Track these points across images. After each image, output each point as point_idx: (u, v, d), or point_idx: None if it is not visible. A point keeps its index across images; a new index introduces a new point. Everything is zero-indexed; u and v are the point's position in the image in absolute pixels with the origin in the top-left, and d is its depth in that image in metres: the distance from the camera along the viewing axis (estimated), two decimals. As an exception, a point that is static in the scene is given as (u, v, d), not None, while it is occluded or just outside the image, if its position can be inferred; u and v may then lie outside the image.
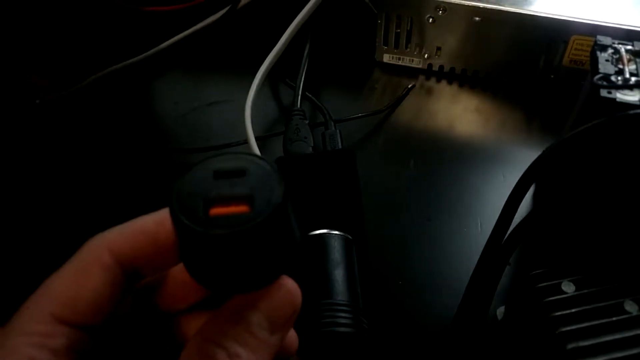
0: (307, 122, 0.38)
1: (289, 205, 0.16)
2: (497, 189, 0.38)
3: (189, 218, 0.15)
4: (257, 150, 0.38)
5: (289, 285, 0.18)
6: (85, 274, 0.18)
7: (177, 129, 0.45)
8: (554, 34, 0.41)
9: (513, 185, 0.38)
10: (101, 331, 0.19)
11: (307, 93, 0.41)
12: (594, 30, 0.38)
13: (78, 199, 0.39)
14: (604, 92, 0.28)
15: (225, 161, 0.16)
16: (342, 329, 0.27)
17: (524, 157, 0.40)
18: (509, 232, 0.29)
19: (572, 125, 0.34)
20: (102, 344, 0.19)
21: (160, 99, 0.48)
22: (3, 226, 0.38)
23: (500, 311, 0.31)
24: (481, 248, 0.34)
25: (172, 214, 0.15)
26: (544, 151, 0.30)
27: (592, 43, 0.31)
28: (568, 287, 0.27)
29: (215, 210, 0.15)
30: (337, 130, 0.37)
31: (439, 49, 0.45)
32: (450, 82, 0.46)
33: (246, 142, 0.40)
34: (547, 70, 0.43)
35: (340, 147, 0.36)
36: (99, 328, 0.19)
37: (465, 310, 0.29)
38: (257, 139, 0.39)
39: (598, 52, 0.30)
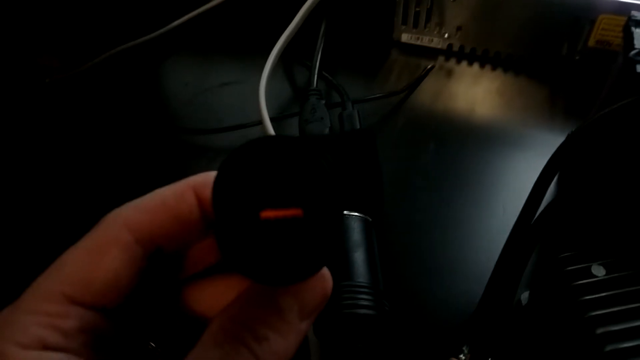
0: (323, 102, 0.37)
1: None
2: (519, 172, 0.37)
3: (236, 216, 0.14)
4: (272, 132, 0.37)
5: (322, 271, 0.17)
6: (101, 252, 0.17)
7: (187, 110, 0.44)
8: (580, 13, 0.39)
9: (535, 168, 0.37)
10: (118, 312, 0.18)
11: (323, 72, 0.40)
12: (623, 8, 0.37)
13: (87, 178, 0.39)
14: (640, 68, 0.27)
15: (278, 149, 0.15)
16: (363, 311, 0.26)
17: (547, 140, 0.39)
18: (537, 214, 0.28)
19: (601, 105, 0.33)
20: (119, 324, 0.19)
21: (170, 80, 0.47)
22: (14, 204, 0.37)
23: (525, 296, 0.30)
24: (504, 232, 0.33)
25: (217, 207, 0.14)
26: (574, 130, 0.28)
27: (621, 22, 0.30)
28: (598, 271, 0.26)
29: (267, 214, 0.14)
30: (356, 110, 0.36)
31: (459, 28, 0.43)
32: (470, 63, 0.44)
33: (260, 122, 0.39)
34: (572, 51, 0.42)
35: (358, 127, 0.35)
36: (115, 309, 0.18)
37: (492, 295, 0.28)
38: (271, 120, 0.38)
39: (633, 28, 0.29)
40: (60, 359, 0.15)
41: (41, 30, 0.47)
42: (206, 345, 0.16)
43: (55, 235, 0.34)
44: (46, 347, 0.15)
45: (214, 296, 0.20)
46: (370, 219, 0.30)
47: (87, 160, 0.40)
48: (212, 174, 0.19)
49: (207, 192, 0.18)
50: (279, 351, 0.16)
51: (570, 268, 0.26)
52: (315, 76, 0.39)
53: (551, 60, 0.43)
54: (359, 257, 0.29)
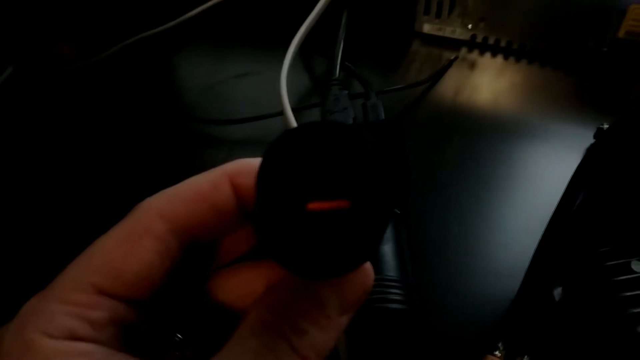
0: (346, 92, 0.36)
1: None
2: (547, 165, 0.36)
3: (281, 208, 0.13)
4: (294, 123, 0.36)
5: (364, 264, 0.16)
6: (133, 243, 0.16)
7: (204, 101, 0.43)
8: (609, 2, 0.38)
9: (564, 161, 0.36)
10: (149, 304, 0.17)
11: (345, 62, 0.39)
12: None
13: (104, 168, 0.38)
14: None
15: (325, 135, 0.14)
16: (394, 306, 0.25)
17: (575, 133, 0.38)
18: (574, 208, 0.27)
19: (638, 97, 0.32)
20: (148, 317, 0.18)
21: (187, 70, 0.47)
22: (32, 189, 0.36)
23: (558, 292, 0.29)
24: (534, 226, 0.32)
25: (261, 198, 0.14)
26: (614, 122, 0.27)
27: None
28: (638, 267, 0.25)
29: (314, 206, 0.14)
30: (380, 101, 0.35)
31: (483, 19, 0.42)
32: (494, 55, 0.43)
33: (281, 113, 0.38)
34: (600, 42, 0.41)
35: (383, 118, 0.34)
36: (146, 302, 0.17)
37: (528, 291, 0.27)
38: (292, 110, 0.37)
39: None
40: (88, 350, 0.15)
41: (59, 19, 0.46)
42: (243, 336, 0.15)
43: (71, 224, 0.33)
44: (74, 337, 0.15)
45: (242, 286, 0.19)
46: (399, 212, 0.30)
47: (103, 150, 0.39)
48: (248, 162, 0.18)
49: (244, 180, 0.18)
50: (318, 346, 0.15)
51: (609, 263, 0.25)
52: (338, 65, 0.38)
53: (578, 52, 0.42)
54: (388, 250, 0.28)
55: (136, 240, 0.16)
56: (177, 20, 0.46)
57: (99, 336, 0.15)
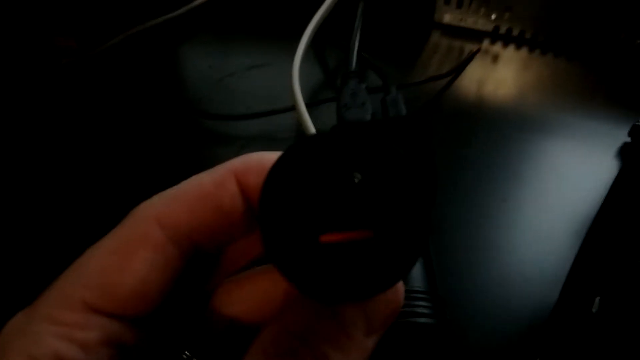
0: (364, 85, 0.34)
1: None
2: (578, 165, 0.34)
3: (290, 237, 0.11)
4: (307, 118, 0.34)
5: None
6: (127, 254, 0.14)
7: (211, 95, 0.41)
8: (644, -8, 0.36)
9: (594, 161, 0.34)
10: (148, 321, 0.15)
11: (362, 53, 0.37)
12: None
13: (106, 166, 0.36)
14: None
15: (342, 148, 0.12)
16: (422, 320, 0.23)
17: (606, 131, 0.36)
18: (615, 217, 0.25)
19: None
20: (149, 334, 0.16)
21: (193, 62, 0.44)
22: (30, 183, 0.34)
23: (595, 303, 0.27)
24: (566, 229, 0.30)
25: (265, 226, 0.12)
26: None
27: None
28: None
29: (329, 238, 0.12)
30: (400, 95, 0.33)
31: (508, 8, 0.40)
32: (518, 47, 0.41)
33: (293, 108, 0.35)
34: (632, 35, 0.38)
35: (404, 114, 0.32)
36: (145, 318, 0.15)
37: (566, 303, 0.25)
38: (305, 105, 0.35)
39: None
40: None
41: (58, 10, 0.44)
42: (255, 358, 0.13)
43: (71, 228, 0.31)
44: None
45: (256, 295, 0.17)
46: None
47: (105, 148, 0.37)
48: (256, 157, 0.16)
49: (252, 179, 0.15)
50: None
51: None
52: (355, 58, 0.36)
53: (608, 45, 0.39)
54: (414, 258, 0.26)
55: (130, 251, 0.14)
56: (183, 9, 0.44)
57: (89, 359, 0.13)
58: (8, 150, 0.37)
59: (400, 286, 0.15)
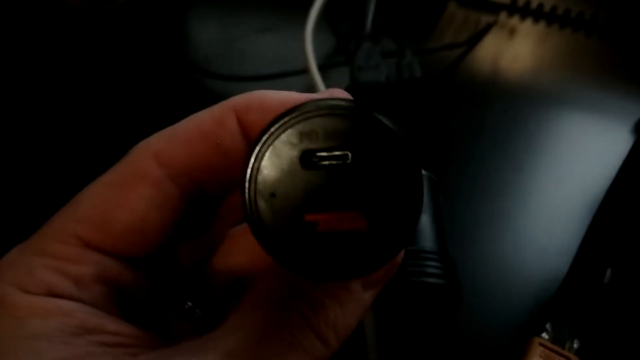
0: (379, 48, 0.33)
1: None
2: (594, 139, 0.33)
3: (277, 219, 0.11)
4: (320, 81, 0.33)
5: None
6: (123, 189, 0.14)
7: (223, 56, 0.40)
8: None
9: (610, 135, 0.33)
10: (150, 263, 0.15)
11: (378, 17, 0.36)
12: None
13: (112, 122, 0.35)
14: None
15: (326, 131, 0.11)
16: (432, 280, 0.23)
17: (622, 106, 0.35)
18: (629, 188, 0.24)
19: None
20: (152, 279, 0.15)
21: (203, 24, 0.43)
22: (34, 144, 0.34)
23: (607, 274, 0.27)
24: (580, 202, 0.29)
25: (248, 214, 0.11)
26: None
27: None
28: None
29: (312, 217, 0.11)
30: (416, 58, 0.32)
31: (527, -20, 0.39)
32: (536, 20, 0.40)
33: (305, 71, 0.35)
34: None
35: (419, 77, 0.31)
36: (146, 259, 0.14)
37: (578, 272, 0.24)
38: (318, 68, 0.34)
39: None
40: (69, 308, 0.12)
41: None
42: (250, 308, 0.13)
43: (72, 179, 0.31)
44: (53, 293, 0.12)
45: (250, 249, 0.16)
46: (436, 179, 0.27)
47: (112, 106, 0.36)
48: (258, 94, 0.15)
49: (254, 117, 0.14)
50: (336, 322, 0.13)
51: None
52: (370, 19, 0.35)
53: (627, 21, 0.38)
54: (425, 220, 0.25)
55: (127, 186, 0.14)
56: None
57: (83, 294, 0.13)
58: (15, 107, 0.36)
59: None
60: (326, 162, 0.11)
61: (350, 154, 0.11)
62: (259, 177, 0.11)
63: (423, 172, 0.26)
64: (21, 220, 0.28)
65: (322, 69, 0.36)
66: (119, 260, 0.14)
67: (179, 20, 0.43)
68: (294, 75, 0.36)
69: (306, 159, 0.11)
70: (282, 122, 0.11)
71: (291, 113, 0.11)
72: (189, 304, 0.17)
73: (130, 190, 0.14)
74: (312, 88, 0.34)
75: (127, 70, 0.38)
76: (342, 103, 0.11)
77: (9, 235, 0.15)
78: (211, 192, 0.15)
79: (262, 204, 0.11)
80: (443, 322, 0.24)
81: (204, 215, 0.17)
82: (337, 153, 0.11)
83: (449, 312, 0.24)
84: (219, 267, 0.17)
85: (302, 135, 0.11)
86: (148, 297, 0.15)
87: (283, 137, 0.11)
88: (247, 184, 0.11)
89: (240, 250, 0.16)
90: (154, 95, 0.37)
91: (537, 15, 0.40)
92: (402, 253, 0.14)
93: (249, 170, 0.11)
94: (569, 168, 0.31)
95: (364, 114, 0.11)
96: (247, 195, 0.11)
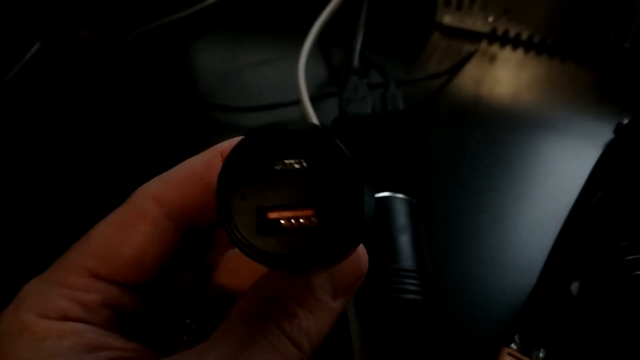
0: (366, 81, 0.36)
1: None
2: (566, 159, 0.36)
3: (242, 216, 0.13)
4: (311, 111, 0.36)
5: (358, 249, 0.16)
6: (126, 227, 0.17)
7: (222, 88, 0.43)
8: (633, -2, 0.38)
9: (584, 156, 0.36)
10: (149, 289, 0.17)
11: (365, 52, 0.39)
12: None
13: (120, 154, 0.38)
14: None
15: (282, 143, 0.14)
16: (411, 296, 0.25)
17: (595, 128, 0.37)
18: (594, 202, 0.27)
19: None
20: (151, 302, 0.18)
21: (205, 57, 0.47)
22: (48, 167, 0.37)
23: (575, 286, 0.29)
24: (554, 221, 0.32)
25: (220, 206, 0.14)
26: (635, 117, 0.27)
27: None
28: (659, 263, 0.25)
29: (274, 215, 0.13)
30: (400, 91, 0.35)
31: (505, 11, 0.42)
32: (515, 48, 0.43)
33: (299, 102, 0.38)
34: (621, 38, 0.40)
35: (402, 108, 0.34)
36: (145, 286, 0.17)
37: (545, 284, 0.27)
38: (310, 99, 0.37)
39: None
40: (79, 329, 0.15)
41: (78, 2, 0.46)
42: (233, 321, 0.15)
43: (81, 211, 0.34)
44: (66, 317, 0.15)
45: (247, 267, 0.19)
46: (417, 202, 0.29)
47: (120, 136, 0.39)
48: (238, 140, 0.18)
49: None
50: (309, 330, 0.15)
51: (628, 258, 0.25)
52: (357, 55, 0.38)
53: (599, 47, 0.41)
54: (405, 240, 0.28)
55: (130, 225, 0.17)
56: (196, 7, 0.46)
57: (91, 317, 0.16)
58: (28, 136, 0.39)
59: (363, 255, 0.16)
60: (282, 167, 0.13)
61: (304, 162, 0.13)
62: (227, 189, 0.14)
63: (403, 196, 0.29)
64: (38, 252, 0.31)
65: (316, 99, 0.39)
66: (122, 288, 0.17)
67: (182, 55, 0.46)
68: (290, 106, 0.39)
69: (269, 166, 0.14)
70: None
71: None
72: (187, 320, 0.20)
73: (132, 228, 0.16)
74: (305, 118, 0.37)
75: (133, 103, 0.41)
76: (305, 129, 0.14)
77: (28, 264, 0.18)
78: (205, 225, 0.18)
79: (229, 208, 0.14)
80: (423, 334, 0.26)
81: (200, 244, 0.19)
82: (293, 161, 0.14)
83: (428, 326, 0.26)
84: (214, 287, 0.19)
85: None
86: (148, 317, 0.18)
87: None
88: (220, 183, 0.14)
89: (231, 273, 0.19)
90: (159, 126, 0.40)
91: (516, 43, 0.43)
92: (366, 261, 0.17)
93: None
94: (543, 188, 0.34)
95: (320, 136, 0.14)
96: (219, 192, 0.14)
